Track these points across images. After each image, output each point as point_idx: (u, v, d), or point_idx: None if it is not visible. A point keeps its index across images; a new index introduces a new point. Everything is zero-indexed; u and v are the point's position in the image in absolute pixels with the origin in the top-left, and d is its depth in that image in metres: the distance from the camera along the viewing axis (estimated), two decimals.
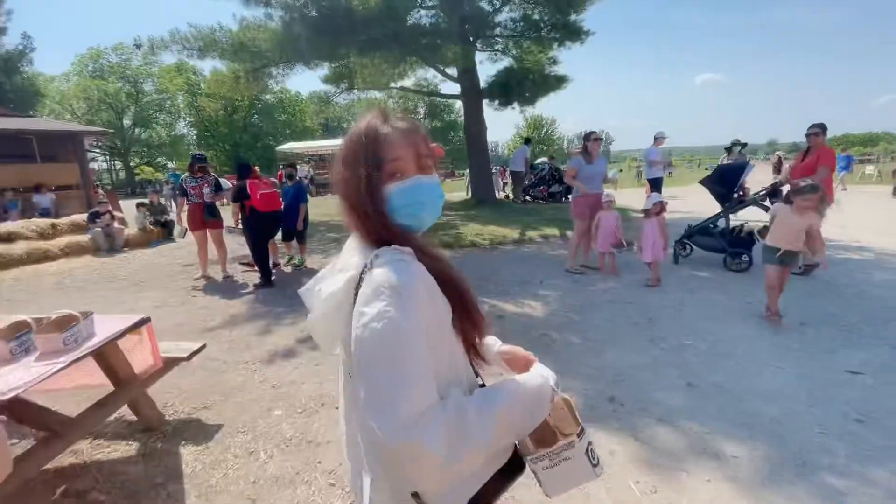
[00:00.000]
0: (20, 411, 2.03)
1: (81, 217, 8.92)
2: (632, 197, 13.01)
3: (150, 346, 2.55)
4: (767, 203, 5.34)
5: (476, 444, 0.69)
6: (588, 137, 5.37)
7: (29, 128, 12.88)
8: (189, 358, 2.69)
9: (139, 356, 2.57)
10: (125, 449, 2.52)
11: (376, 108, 0.87)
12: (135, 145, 37.07)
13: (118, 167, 39.61)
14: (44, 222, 8.48)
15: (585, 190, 5.35)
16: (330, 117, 41.43)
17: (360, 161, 0.79)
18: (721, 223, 5.64)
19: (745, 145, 9.38)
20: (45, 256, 7.53)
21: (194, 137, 38.93)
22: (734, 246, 5.40)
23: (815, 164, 4.83)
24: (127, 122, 36.19)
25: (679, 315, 4.25)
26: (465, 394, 0.77)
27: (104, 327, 2.26)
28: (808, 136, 4.98)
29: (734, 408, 2.73)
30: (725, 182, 5.57)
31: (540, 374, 0.86)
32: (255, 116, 37.97)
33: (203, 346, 2.84)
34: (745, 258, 5.35)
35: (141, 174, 33.39)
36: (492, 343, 1.06)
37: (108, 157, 38.52)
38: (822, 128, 4.87)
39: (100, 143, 32.47)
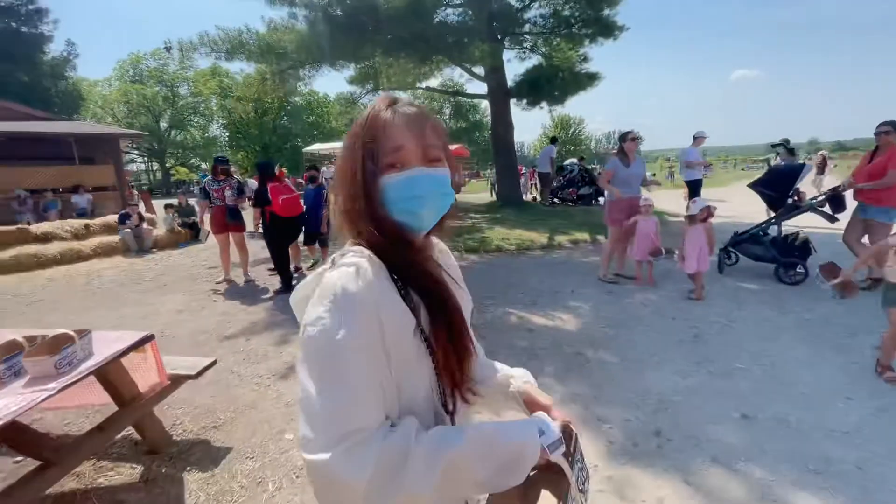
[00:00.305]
0: (14, 437, 1.89)
1: (114, 218, 9.10)
2: (666, 199, 12.41)
3: (155, 364, 2.39)
4: (827, 209, 4.85)
5: (416, 486, 0.59)
6: (624, 137, 5.00)
7: (68, 131, 13.36)
8: (197, 376, 2.53)
9: (144, 373, 2.42)
10: (129, 472, 2.38)
11: (385, 94, 0.80)
12: (171, 147, 38.32)
13: (155, 168, 41.09)
14: (78, 223, 8.68)
15: (620, 195, 4.97)
16: (356, 118, 41.68)
17: (358, 149, 0.73)
18: (773, 230, 5.16)
19: (791, 148, 8.64)
20: (77, 257, 7.68)
21: (227, 139, 39.97)
22: (787, 256, 4.92)
23: (885, 166, 4.32)
24: (163, 124, 37.45)
25: (728, 332, 3.86)
26: (424, 428, 0.67)
27: (104, 346, 2.11)
28: (877, 134, 4.46)
29: (802, 449, 2.37)
30: (778, 185, 5.09)
31: (534, 427, 0.71)
32: (285, 118, 38.65)
33: (213, 363, 2.67)
34: (799, 269, 4.87)
35: (176, 175, 34.47)
36: (511, 375, 0.92)
37: (146, 159, 40.00)
38: (894, 126, 4.36)
39: (137, 145, 33.66)
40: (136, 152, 36.64)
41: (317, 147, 25.49)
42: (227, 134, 39.50)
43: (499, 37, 10.71)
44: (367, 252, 0.69)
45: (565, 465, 0.71)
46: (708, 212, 4.49)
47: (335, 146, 25.16)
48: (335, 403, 0.60)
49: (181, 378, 2.52)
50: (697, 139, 7.81)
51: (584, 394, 2.99)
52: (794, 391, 2.93)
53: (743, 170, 41.70)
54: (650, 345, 3.68)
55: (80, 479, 2.32)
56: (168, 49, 10.33)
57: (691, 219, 4.53)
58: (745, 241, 5.30)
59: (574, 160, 14.31)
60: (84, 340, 2.01)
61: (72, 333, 1.93)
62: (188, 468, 2.37)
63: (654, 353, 3.54)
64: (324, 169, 23.72)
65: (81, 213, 11.11)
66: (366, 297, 0.64)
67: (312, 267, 6.55)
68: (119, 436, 2.54)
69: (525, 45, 11.72)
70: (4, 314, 5.05)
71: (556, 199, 12.58)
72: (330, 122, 39.57)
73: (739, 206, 10.95)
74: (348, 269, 0.66)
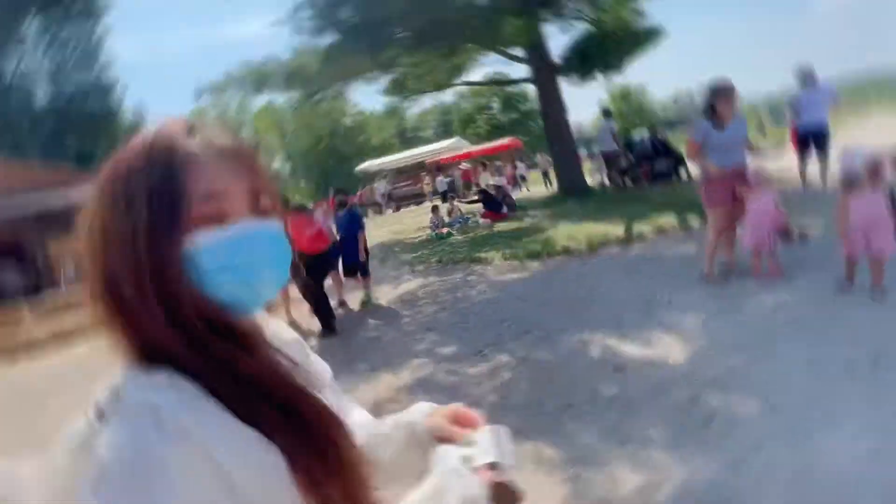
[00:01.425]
0: None
1: None
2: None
3: None
4: None
5: None
6: (716, 93, 3.75)
7: None
8: None
9: None
10: None
11: (175, 118, 0.50)
12: None
13: None
14: None
15: (717, 169, 3.74)
16: (406, 128, 42.22)
17: (139, 197, 0.44)
18: None
19: None
20: None
21: (288, 172, 42.20)
22: None
23: None
24: None
25: None
26: None
27: None
28: None
29: None
30: None
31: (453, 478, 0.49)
32: (338, 141, 39.99)
33: None
34: None
35: None
36: (409, 422, 0.63)
37: None
38: None
39: None
40: None
41: (368, 164, 25.72)
42: (289, 166, 41.74)
43: (534, 10, 9.57)
44: (156, 378, 0.42)
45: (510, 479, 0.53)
46: (878, 168, 2.93)
47: (386, 160, 25.18)
48: None
49: None
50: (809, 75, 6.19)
51: (715, 478, 1.97)
52: None
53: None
54: (805, 380, 2.51)
55: None
56: (200, 95, 10.40)
57: (851, 184, 3.04)
58: None
59: (643, 131, 12.64)
60: None
61: None
62: None
63: (815, 393, 2.38)
64: (376, 185, 23.67)
65: None
66: (181, 451, 0.38)
67: (364, 306, 5.80)
68: None
69: (564, 12, 10.41)
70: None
71: (624, 182, 11.02)
72: (371, 139, 40.58)
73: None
74: (136, 419, 0.39)
